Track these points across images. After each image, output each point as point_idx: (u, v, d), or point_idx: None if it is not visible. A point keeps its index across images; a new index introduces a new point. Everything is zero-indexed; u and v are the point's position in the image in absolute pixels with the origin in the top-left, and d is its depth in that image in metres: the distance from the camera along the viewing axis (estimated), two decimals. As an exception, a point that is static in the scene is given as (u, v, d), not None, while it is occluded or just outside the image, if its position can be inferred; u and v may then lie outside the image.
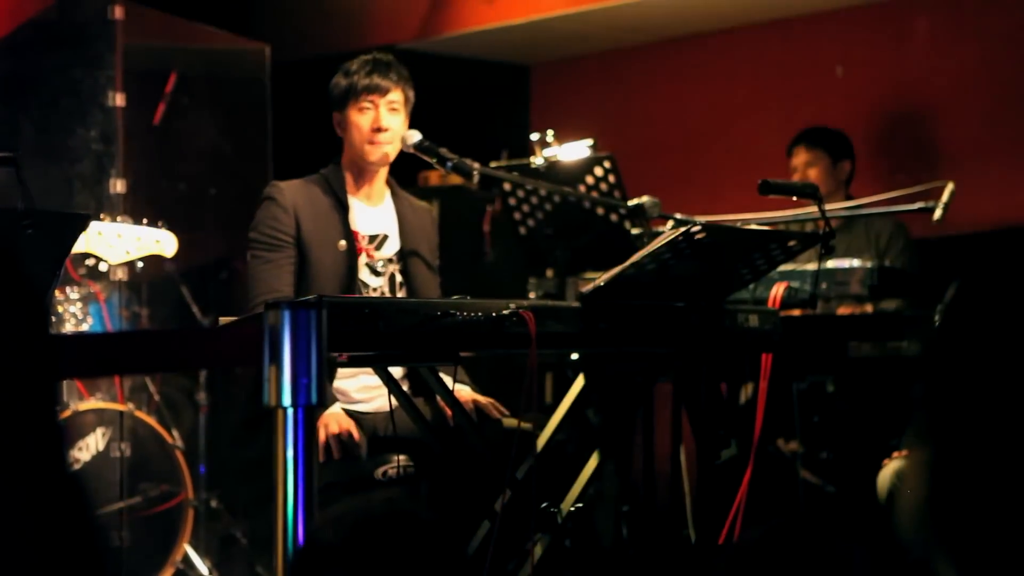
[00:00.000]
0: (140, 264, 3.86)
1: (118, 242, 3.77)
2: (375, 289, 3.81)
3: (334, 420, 3.48)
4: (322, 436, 3.43)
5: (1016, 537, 1.25)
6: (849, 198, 5.01)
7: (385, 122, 3.75)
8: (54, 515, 1.20)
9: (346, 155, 3.86)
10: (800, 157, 5.30)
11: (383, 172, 3.88)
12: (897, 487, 4.06)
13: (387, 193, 3.92)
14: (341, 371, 3.69)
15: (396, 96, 3.78)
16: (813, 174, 5.22)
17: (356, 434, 3.49)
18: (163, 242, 3.91)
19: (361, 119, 3.77)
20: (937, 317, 3.75)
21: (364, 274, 3.80)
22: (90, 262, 3.66)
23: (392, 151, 3.79)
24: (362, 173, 3.84)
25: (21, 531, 1.17)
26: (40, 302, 1.33)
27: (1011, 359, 1.30)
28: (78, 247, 3.73)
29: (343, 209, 3.80)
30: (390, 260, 3.86)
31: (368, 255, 3.82)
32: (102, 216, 3.86)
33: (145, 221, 3.89)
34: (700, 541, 3.81)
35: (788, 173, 5.30)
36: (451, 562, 1.70)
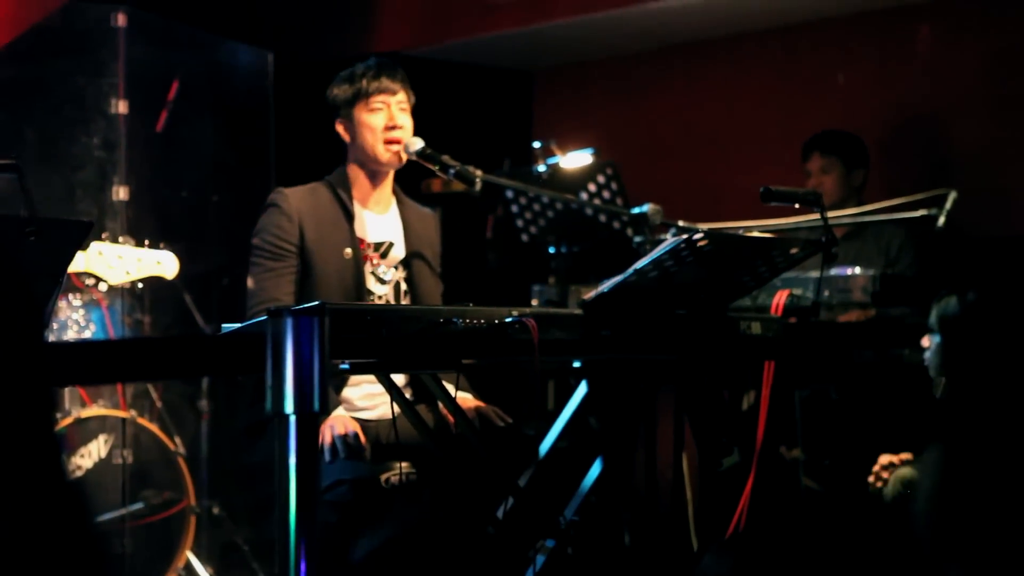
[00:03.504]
0: (140, 285, 3.86)
1: (118, 263, 3.77)
2: (380, 297, 3.82)
3: (340, 422, 3.49)
4: (328, 437, 3.43)
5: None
6: (861, 205, 5.01)
7: (399, 120, 3.78)
8: (52, 524, 1.20)
9: (353, 161, 3.85)
10: (815, 163, 5.28)
11: (390, 179, 3.89)
12: (902, 493, 4.06)
13: (393, 201, 3.92)
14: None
15: (403, 97, 3.82)
16: (828, 181, 5.21)
17: (362, 436, 3.49)
18: (164, 263, 3.90)
19: (373, 119, 3.78)
20: (932, 319, 3.73)
21: (370, 282, 3.81)
22: (90, 281, 3.66)
23: (403, 152, 3.81)
24: (372, 177, 3.85)
25: (19, 540, 1.17)
26: (36, 309, 1.32)
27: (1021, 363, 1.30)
28: (78, 266, 3.74)
29: (349, 217, 3.80)
30: (395, 268, 3.86)
31: (373, 263, 3.82)
32: (103, 236, 3.86)
33: (147, 243, 3.88)
34: (702, 548, 3.81)
35: (792, 179, 5.29)
36: None
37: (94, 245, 3.77)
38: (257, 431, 3.59)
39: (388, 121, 3.78)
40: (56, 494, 1.22)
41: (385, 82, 3.80)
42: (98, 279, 3.71)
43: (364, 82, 3.80)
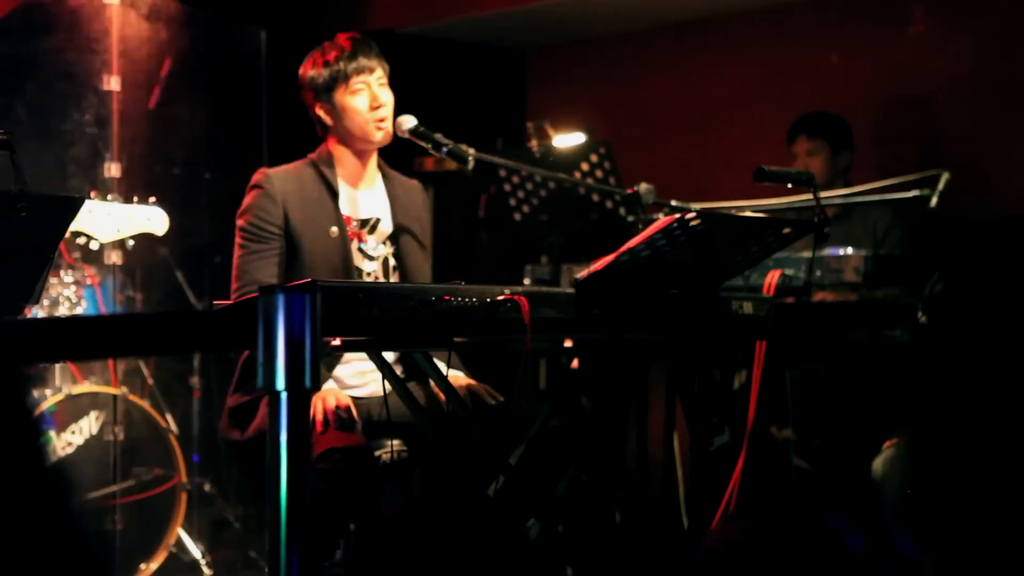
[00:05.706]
0: (131, 242, 3.81)
1: (108, 220, 3.74)
2: (369, 274, 3.81)
3: (331, 394, 3.48)
4: (319, 410, 3.43)
5: (992, 524, 1.26)
6: (848, 186, 5.01)
7: (382, 97, 3.77)
8: (27, 510, 1.18)
9: (338, 143, 3.84)
10: (801, 145, 5.30)
11: (375, 155, 3.88)
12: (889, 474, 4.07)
13: (378, 176, 3.91)
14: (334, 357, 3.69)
15: (380, 72, 3.80)
16: (814, 163, 5.22)
17: (354, 410, 3.49)
18: (154, 220, 3.87)
19: (357, 101, 3.77)
20: (921, 306, 3.75)
21: (358, 259, 3.80)
22: (81, 240, 3.62)
23: (392, 127, 3.80)
24: (358, 155, 3.83)
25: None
26: None
27: (994, 347, 1.30)
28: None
29: (333, 195, 3.79)
30: (383, 243, 3.86)
31: (360, 240, 3.82)
32: (92, 194, 3.81)
33: (136, 199, 3.85)
34: (693, 527, 3.82)
35: (785, 160, 5.30)
36: None
37: (84, 203, 3.74)
38: (243, 415, 3.59)
39: (372, 101, 3.77)
40: (33, 478, 1.20)
41: (362, 61, 3.78)
42: (89, 238, 3.68)
43: (341, 64, 3.77)
